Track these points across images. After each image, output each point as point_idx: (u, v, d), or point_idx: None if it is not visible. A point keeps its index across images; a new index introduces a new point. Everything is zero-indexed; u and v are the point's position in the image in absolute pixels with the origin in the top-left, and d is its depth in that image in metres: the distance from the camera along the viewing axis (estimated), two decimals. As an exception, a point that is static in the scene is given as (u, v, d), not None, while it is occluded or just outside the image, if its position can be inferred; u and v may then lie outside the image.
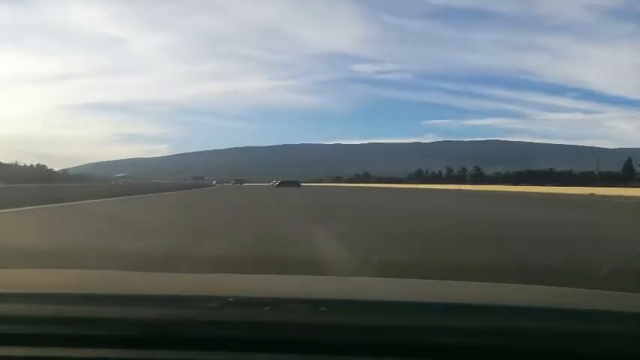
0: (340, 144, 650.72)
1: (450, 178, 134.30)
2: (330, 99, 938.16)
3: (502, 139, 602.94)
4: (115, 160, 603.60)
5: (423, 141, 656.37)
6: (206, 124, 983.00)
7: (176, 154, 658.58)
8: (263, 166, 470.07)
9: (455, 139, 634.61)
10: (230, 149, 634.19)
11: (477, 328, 1.29)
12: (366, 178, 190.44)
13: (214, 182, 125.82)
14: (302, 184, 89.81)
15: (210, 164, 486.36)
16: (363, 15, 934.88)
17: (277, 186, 75.78)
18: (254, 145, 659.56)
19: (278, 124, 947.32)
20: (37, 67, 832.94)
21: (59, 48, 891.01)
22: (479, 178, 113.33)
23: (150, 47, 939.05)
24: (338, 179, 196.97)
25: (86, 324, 1.30)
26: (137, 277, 2.32)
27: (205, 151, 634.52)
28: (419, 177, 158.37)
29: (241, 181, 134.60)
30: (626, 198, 36.09)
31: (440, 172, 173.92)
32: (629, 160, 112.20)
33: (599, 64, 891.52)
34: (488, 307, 1.51)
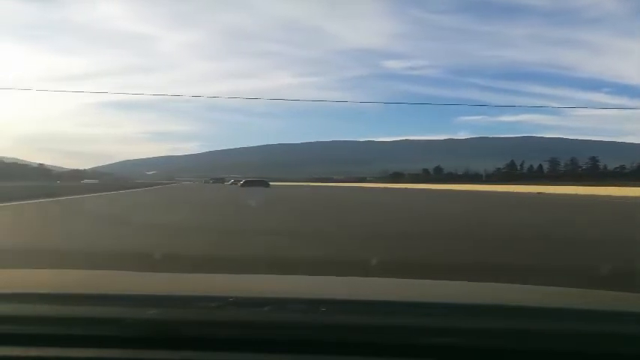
0: (372, 141, 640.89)
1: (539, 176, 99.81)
2: (360, 96, 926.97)
3: (537, 136, 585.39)
4: (145, 158, 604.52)
5: (456, 137, 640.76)
6: (236, 122, 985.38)
7: (206, 152, 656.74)
8: (293, 163, 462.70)
9: (489, 136, 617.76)
10: (260, 146, 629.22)
11: (477, 328, 1.29)
12: (437, 174, 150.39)
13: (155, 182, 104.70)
14: (334, 184, 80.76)
15: (241, 161, 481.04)
16: (392, 10, 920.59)
17: (242, 185, 69.59)
18: (284, 142, 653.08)
19: (308, 121, 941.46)
20: (66, 65, 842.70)
21: (88, 46, 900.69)
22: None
23: (178, 44, 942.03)
24: (398, 177, 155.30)
25: (86, 324, 1.30)
26: (137, 277, 2.32)
27: (235, 148, 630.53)
28: (513, 172, 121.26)
29: (222, 180, 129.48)
30: None
31: (540, 165, 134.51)
32: None
33: (637, 58, 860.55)
34: (488, 307, 1.51)
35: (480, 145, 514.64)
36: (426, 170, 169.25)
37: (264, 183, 74.13)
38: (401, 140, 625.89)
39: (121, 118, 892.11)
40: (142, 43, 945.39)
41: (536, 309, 1.47)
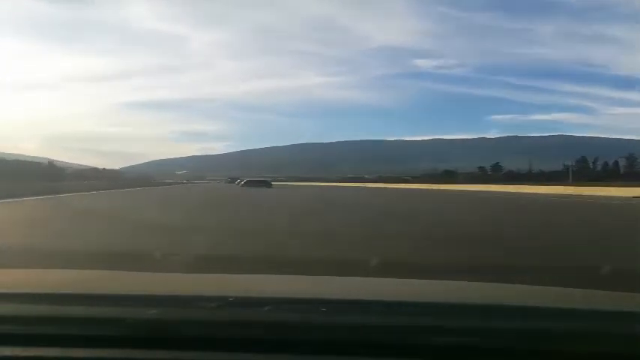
0: (401, 140, 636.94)
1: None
2: (390, 94, 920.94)
3: (569, 134, 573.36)
4: (176, 158, 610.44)
5: (487, 136, 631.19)
6: (265, 121, 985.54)
7: (236, 151, 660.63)
8: (323, 162, 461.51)
9: (521, 135, 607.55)
10: (289, 146, 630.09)
11: (477, 328, 1.29)
12: (496, 173, 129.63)
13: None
14: (366, 184, 78.60)
15: (270, 161, 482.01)
16: (421, 7, 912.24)
17: (243, 185, 70.29)
18: (313, 141, 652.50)
19: (338, 120, 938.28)
20: (95, 65, 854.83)
21: (117, 46, 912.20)
22: None
23: (207, 44, 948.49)
24: (449, 177, 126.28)
25: (85, 324, 1.30)
26: (137, 277, 2.33)
27: (266, 147, 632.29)
28: (586, 170, 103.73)
29: (234, 180, 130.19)
30: None
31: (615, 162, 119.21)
32: None
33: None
34: (488, 307, 1.51)
35: (511, 144, 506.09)
36: (482, 168, 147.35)
37: (266, 183, 75.18)
38: (431, 139, 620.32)
39: (151, 118, 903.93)
40: (171, 43, 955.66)
41: (536, 309, 1.47)
